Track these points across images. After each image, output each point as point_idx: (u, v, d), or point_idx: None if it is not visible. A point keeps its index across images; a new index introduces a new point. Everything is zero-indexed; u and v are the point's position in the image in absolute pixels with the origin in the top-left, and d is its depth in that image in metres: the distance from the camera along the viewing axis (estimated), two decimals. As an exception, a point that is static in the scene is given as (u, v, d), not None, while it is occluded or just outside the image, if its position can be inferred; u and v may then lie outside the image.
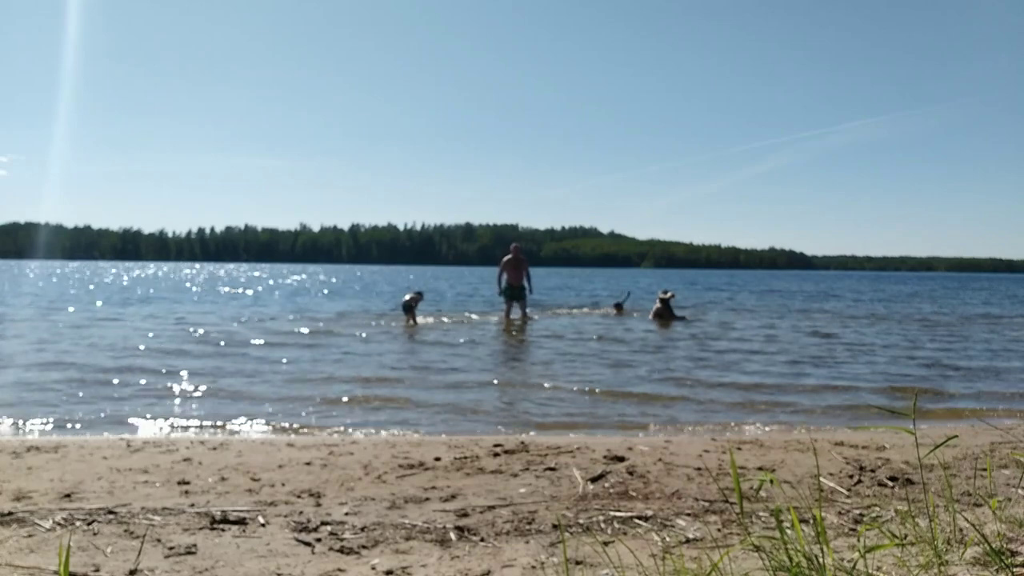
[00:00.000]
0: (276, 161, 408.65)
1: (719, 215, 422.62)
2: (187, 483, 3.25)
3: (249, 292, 25.74)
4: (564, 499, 2.99)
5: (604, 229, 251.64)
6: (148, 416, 5.23)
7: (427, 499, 3.02)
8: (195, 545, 2.36)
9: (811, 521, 2.35)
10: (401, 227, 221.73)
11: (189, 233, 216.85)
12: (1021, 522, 1.98)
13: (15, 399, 5.72)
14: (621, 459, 3.75)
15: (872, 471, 3.49)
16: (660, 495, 3.06)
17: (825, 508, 2.74)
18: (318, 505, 2.93)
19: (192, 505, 2.87)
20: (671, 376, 7.22)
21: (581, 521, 2.62)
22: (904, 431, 1.76)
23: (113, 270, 65.64)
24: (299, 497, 3.05)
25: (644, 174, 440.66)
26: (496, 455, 3.85)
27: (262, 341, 9.95)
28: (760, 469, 3.55)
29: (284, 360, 8.10)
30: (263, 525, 2.61)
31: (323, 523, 2.63)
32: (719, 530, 2.50)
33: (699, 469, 3.51)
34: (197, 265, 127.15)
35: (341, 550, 2.34)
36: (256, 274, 59.92)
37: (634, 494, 3.08)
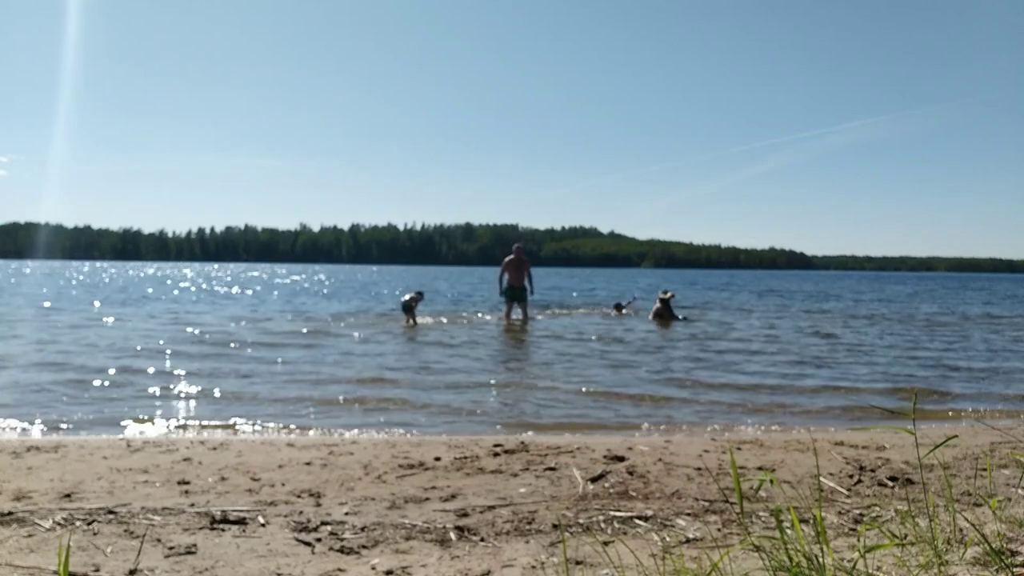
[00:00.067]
0: (276, 161, 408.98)
1: (719, 215, 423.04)
2: (187, 483, 3.25)
3: (249, 292, 25.74)
4: (564, 499, 2.99)
5: (604, 229, 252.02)
6: (148, 416, 5.23)
7: (427, 499, 3.02)
8: (195, 545, 2.36)
9: (811, 521, 2.35)
10: (401, 227, 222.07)
11: (189, 233, 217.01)
12: (1021, 522, 1.98)
13: (15, 399, 5.72)
14: (621, 459, 3.75)
15: (872, 471, 3.49)
16: (660, 495, 3.06)
17: (825, 508, 2.74)
18: (318, 505, 2.93)
19: (192, 505, 2.87)
20: (671, 376, 7.22)
21: (581, 521, 2.62)
22: (904, 431, 1.76)
23: (113, 270, 65.66)
24: (299, 497, 3.05)
25: (644, 174, 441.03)
26: (496, 455, 3.85)
27: (261, 341, 9.95)
28: (760, 469, 3.55)
29: (283, 360, 8.10)
30: (263, 525, 2.61)
31: (323, 523, 2.63)
32: (719, 530, 2.50)
33: (699, 469, 3.51)
34: (197, 265, 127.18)
35: (341, 550, 2.34)
36: (256, 274, 59.92)
37: (634, 494, 3.08)
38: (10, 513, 2.68)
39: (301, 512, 2.79)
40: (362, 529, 2.56)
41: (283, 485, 3.24)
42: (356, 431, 4.86)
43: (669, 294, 14.77)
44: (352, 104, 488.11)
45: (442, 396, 6.10)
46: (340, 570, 2.18)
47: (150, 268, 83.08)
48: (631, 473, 3.45)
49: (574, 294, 26.24)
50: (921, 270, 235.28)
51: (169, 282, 35.62)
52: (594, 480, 3.31)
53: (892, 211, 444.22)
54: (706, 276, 76.00)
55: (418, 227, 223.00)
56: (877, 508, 2.67)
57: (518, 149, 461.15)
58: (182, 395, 6.03)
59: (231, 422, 5.08)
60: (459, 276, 56.23)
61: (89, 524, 2.56)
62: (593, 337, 10.98)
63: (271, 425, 5.01)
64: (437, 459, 3.74)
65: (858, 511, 2.66)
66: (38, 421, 5.01)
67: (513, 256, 13.12)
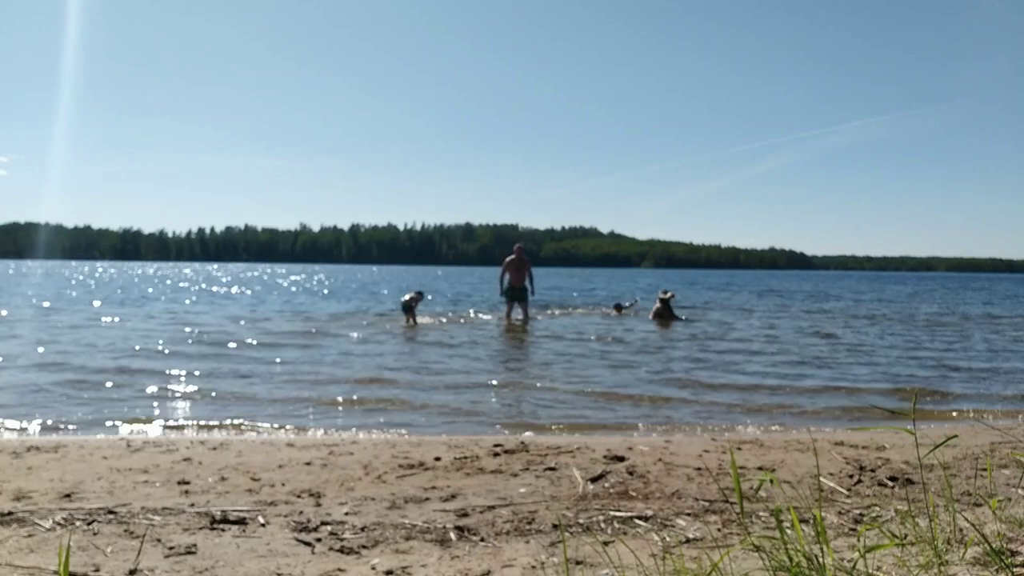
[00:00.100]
0: (276, 161, 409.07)
1: (719, 215, 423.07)
2: (187, 483, 3.25)
3: (248, 292, 25.74)
4: (564, 499, 2.99)
5: (604, 229, 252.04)
6: (148, 416, 5.23)
7: (427, 499, 3.02)
8: (195, 545, 2.36)
9: (811, 521, 2.35)
10: (401, 227, 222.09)
11: (189, 233, 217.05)
12: (1021, 522, 1.98)
13: (14, 400, 5.72)
14: (621, 459, 3.75)
15: (872, 471, 3.49)
16: (660, 495, 3.06)
17: (825, 508, 2.74)
18: (318, 505, 2.93)
19: (192, 505, 2.87)
20: (671, 377, 7.22)
21: (581, 521, 2.62)
22: (904, 431, 1.76)
23: (112, 270, 65.66)
24: (299, 497, 3.05)
25: (644, 174, 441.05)
26: (496, 455, 3.85)
27: (261, 342, 9.95)
28: (760, 469, 3.55)
29: (283, 361, 8.10)
30: (263, 525, 2.61)
31: (323, 523, 2.63)
32: (719, 530, 2.50)
33: (699, 469, 3.51)
34: (197, 265, 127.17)
35: (341, 550, 2.34)
36: (255, 274, 59.92)
37: (634, 494, 3.08)
38: (10, 513, 2.68)
39: (301, 512, 2.79)
40: (362, 529, 2.56)
41: (283, 485, 3.24)
42: (356, 431, 4.86)
43: (669, 294, 14.77)
44: (352, 104, 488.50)
45: (442, 396, 6.10)
46: (340, 570, 2.18)
47: (150, 268, 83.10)
48: (631, 473, 3.45)
49: (574, 294, 26.23)
50: (921, 270, 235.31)
51: (169, 282, 35.62)
52: (594, 480, 3.31)
53: (892, 211, 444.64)
54: (706, 276, 76.01)
55: (418, 227, 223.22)
56: (877, 508, 2.67)
57: (518, 149, 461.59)
58: (182, 395, 6.03)
59: (231, 422, 5.08)
60: (459, 276, 56.22)
61: (89, 524, 2.56)
62: (593, 337, 10.98)
63: (271, 425, 5.01)
64: (437, 459, 3.74)
65: (858, 511, 2.66)
66: (38, 421, 5.01)
67: (514, 256, 13.12)
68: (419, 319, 13.11)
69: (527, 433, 4.78)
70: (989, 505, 2.21)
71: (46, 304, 17.02)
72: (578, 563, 2.14)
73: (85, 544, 2.35)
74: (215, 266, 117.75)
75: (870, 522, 2.40)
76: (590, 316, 15.51)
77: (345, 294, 24.70)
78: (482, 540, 2.44)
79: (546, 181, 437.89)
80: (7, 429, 4.81)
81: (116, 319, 13.31)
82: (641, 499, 3.00)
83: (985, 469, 3.37)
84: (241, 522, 2.63)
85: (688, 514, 2.71)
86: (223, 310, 16.18)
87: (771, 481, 2.54)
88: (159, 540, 2.41)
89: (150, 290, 26.19)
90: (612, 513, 2.72)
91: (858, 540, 2.18)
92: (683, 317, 14.61)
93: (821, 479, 3.29)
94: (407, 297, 13.23)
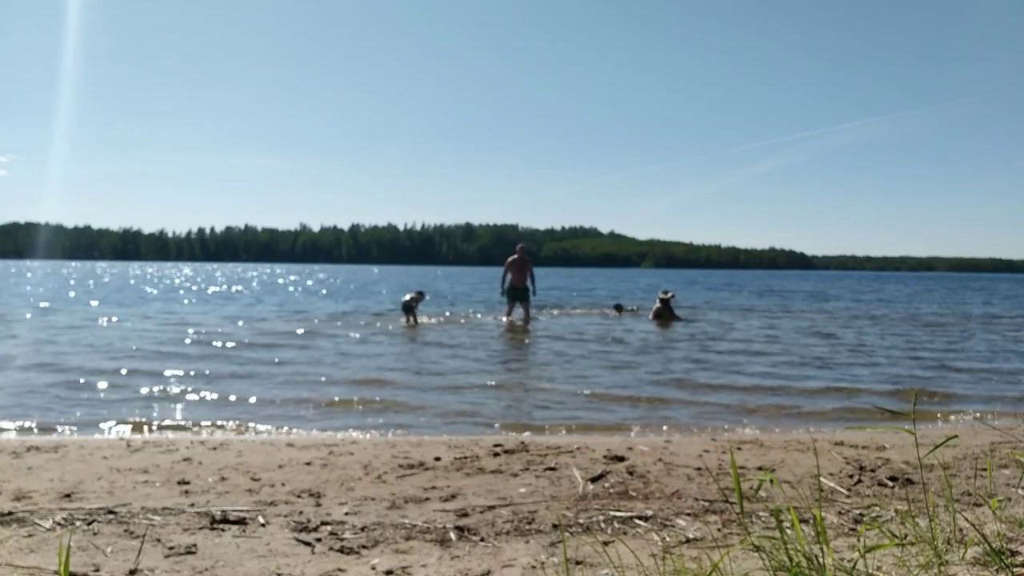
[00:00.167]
0: (276, 161, 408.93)
1: (719, 215, 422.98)
2: (187, 483, 3.25)
3: (248, 292, 25.74)
4: (564, 499, 2.99)
5: (604, 229, 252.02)
6: (147, 416, 5.23)
7: (427, 499, 3.02)
8: (195, 545, 2.36)
9: (811, 521, 2.35)
10: (401, 227, 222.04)
11: (189, 233, 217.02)
12: (1021, 522, 1.98)
13: (14, 400, 5.72)
14: (621, 459, 3.75)
15: (872, 471, 3.49)
16: (660, 495, 3.06)
17: (825, 508, 2.74)
18: (318, 505, 2.93)
19: (192, 505, 2.87)
20: (671, 377, 7.22)
21: (581, 521, 2.62)
22: (904, 431, 1.76)
23: (113, 270, 65.66)
24: (299, 497, 3.05)
25: (644, 174, 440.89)
26: (496, 455, 3.85)
27: (260, 342, 9.95)
28: (760, 469, 3.56)
29: (282, 361, 8.10)
30: (263, 525, 2.61)
31: (323, 523, 2.63)
32: (719, 530, 2.50)
33: (699, 469, 3.51)
34: (197, 265, 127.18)
35: (341, 550, 2.34)
36: (255, 274, 59.93)
37: (634, 494, 3.08)
38: (10, 513, 2.68)
39: (301, 512, 2.79)
40: (362, 529, 2.56)
41: (283, 485, 3.24)
42: (356, 432, 4.86)
43: (669, 294, 14.77)
44: (352, 104, 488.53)
45: (441, 397, 6.10)
46: (340, 570, 2.18)
47: (150, 268, 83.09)
48: (631, 473, 3.45)
49: (574, 294, 26.25)
50: (921, 270, 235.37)
51: (168, 282, 35.63)
52: (594, 480, 3.31)
53: (892, 211, 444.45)
54: (706, 276, 76.01)
55: (418, 227, 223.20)
56: (877, 508, 2.67)
57: (518, 149, 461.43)
58: (181, 396, 6.03)
59: (231, 422, 5.08)
60: (459, 276, 56.23)
61: (89, 524, 2.56)
62: (593, 338, 10.98)
63: (271, 425, 5.01)
64: (437, 459, 3.74)
65: (858, 511, 2.66)
66: (38, 421, 5.01)
67: (516, 256, 13.12)
68: (419, 319, 13.11)
69: (527, 433, 4.78)
70: (989, 505, 2.21)
71: (44, 304, 17.02)
72: (578, 563, 2.14)
73: (85, 544, 2.35)
74: (215, 266, 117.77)
75: (870, 522, 2.40)
76: (590, 316, 15.50)
77: (345, 294, 24.71)
78: (482, 540, 2.44)
79: (546, 181, 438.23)
80: (7, 429, 4.81)
81: (115, 319, 13.31)
82: (641, 499, 3.00)
83: (985, 469, 3.37)
84: (241, 522, 2.63)
85: (688, 514, 2.71)
86: (222, 310, 16.18)
87: (771, 481, 2.55)
88: (159, 540, 2.41)
89: (150, 290, 26.19)
90: (612, 513, 2.72)
91: (858, 540, 2.18)
92: (683, 317, 14.61)
93: (821, 479, 3.29)
94: (408, 297, 13.23)
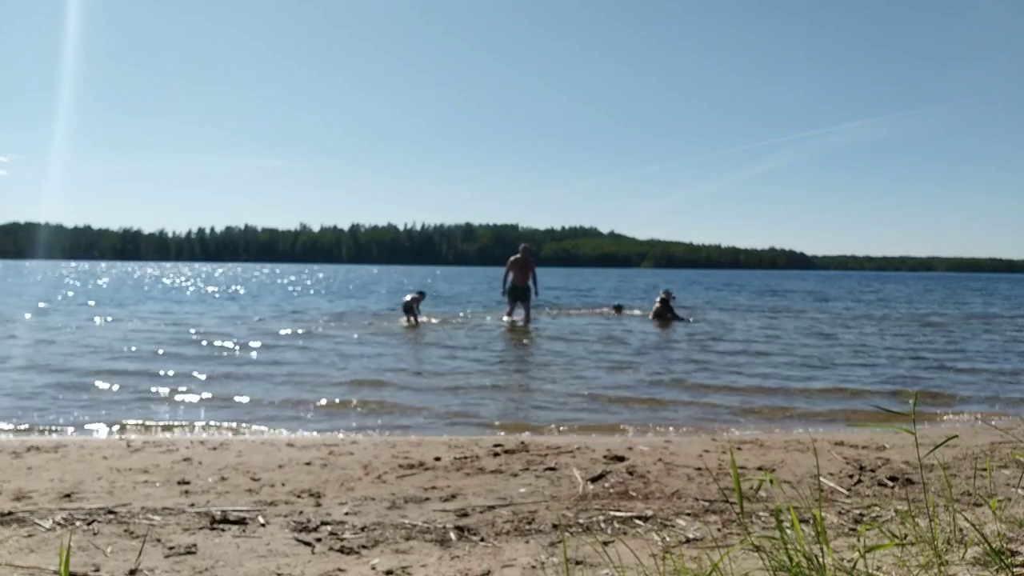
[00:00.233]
0: (276, 161, 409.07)
1: (719, 215, 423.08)
2: (187, 483, 3.25)
3: (247, 293, 25.73)
4: (564, 499, 2.99)
5: (604, 229, 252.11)
6: (147, 417, 5.23)
7: (427, 499, 3.02)
8: (195, 545, 2.36)
9: (811, 521, 2.35)
10: (401, 227, 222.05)
11: (189, 233, 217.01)
12: (1021, 522, 1.98)
13: (13, 400, 5.72)
14: (621, 459, 3.75)
15: (872, 471, 3.49)
16: (660, 495, 3.06)
17: (825, 508, 2.74)
18: (318, 505, 2.93)
19: (192, 505, 2.87)
20: (671, 377, 7.22)
21: (581, 521, 2.62)
22: (904, 431, 1.76)
23: (113, 270, 65.66)
24: (299, 497, 3.05)
25: (644, 174, 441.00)
26: (496, 455, 3.85)
27: (260, 342, 9.95)
28: (760, 469, 3.55)
29: (282, 361, 8.10)
30: (263, 525, 2.61)
31: (323, 523, 2.63)
32: (719, 530, 2.50)
33: (699, 469, 3.51)
34: (196, 265, 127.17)
35: (341, 550, 2.34)
36: (255, 274, 59.92)
37: (634, 494, 3.08)
38: (10, 513, 2.68)
39: (301, 512, 2.79)
40: (362, 529, 2.56)
41: (283, 485, 3.24)
42: (356, 432, 4.86)
43: (669, 294, 14.77)
44: (352, 104, 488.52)
45: (441, 397, 6.10)
46: (340, 570, 2.18)
47: (150, 268, 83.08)
48: (631, 473, 3.45)
49: (574, 294, 26.24)
50: (921, 270, 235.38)
51: (168, 282, 35.62)
52: (594, 480, 3.31)
53: (892, 211, 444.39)
54: (706, 276, 75.99)
55: (418, 227, 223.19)
56: (877, 508, 2.67)
57: (518, 149, 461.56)
58: (181, 396, 6.03)
59: (231, 422, 5.08)
60: (459, 276, 56.22)
61: (89, 524, 2.56)
62: (593, 338, 10.98)
63: (271, 426, 5.01)
64: (437, 459, 3.74)
65: (858, 511, 2.66)
66: (38, 422, 5.01)
67: (519, 256, 13.11)
68: (419, 319, 13.11)
69: (527, 433, 4.78)
70: (989, 505, 2.21)
71: (44, 305, 17.02)
72: (578, 563, 2.14)
73: (85, 544, 2.35)
74: (215, 266, 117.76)
75: (870, 522, 2.40)
76: (590, 316, 15.50)
77: (345, 294, 24.70)
78: (482, 540, 2.44)
79: (546, 181, 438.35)
80: (7, 430, 4.81)
81: (114, 320, 13.31)
82: (641, 499, 3.00)
83: (985, 469, 3.37)
84: (241, 522, 2.63)
85: (688, 514, 2.71)
86: (222, 310, 16.18)
87: (771, 481, 2.55)
88: (159, 540, 2.41)
89: (149, 291, 26.18)
90: (612, 513, 2.72)
91: (858, 540, 2.18)
92: (683, 317, 14.61)
93: (821, 479, 3.29)
94: (408, 298, 13.23)
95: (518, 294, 13.32)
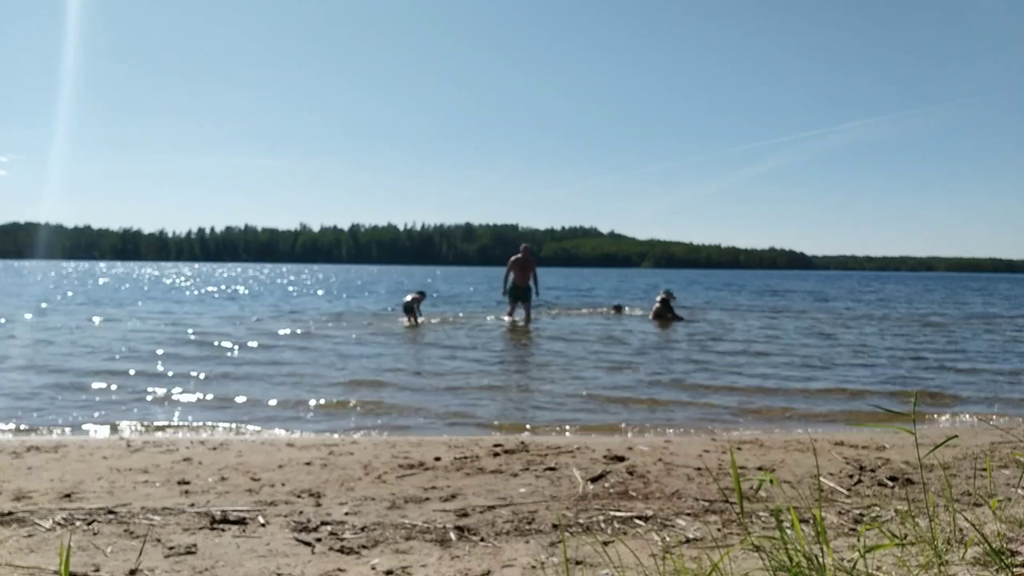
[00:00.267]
0: (276, 161, 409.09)
1: (719, 215, 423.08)
2: (187, 483, 3.25)
3: (247, 293, 25.74)
4: (564, 499, 2.99)
5: (604, 229, 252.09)
6: (147, 417, 5.23)
7: (427, 499, 3.02)
8: (195, 545, 2.36)
9: (811, 521, 2.35)
10: (401, 227, 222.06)
11: (189, 233, 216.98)
12: (1021, 522, 1.98)
13: (13, 401, 5.72)
14: (621, 459, 3.75)
15: (872, 471, 3.49)
16: (660, 495, 3.06)
17: (825, 508, 2.74)
18: (318, 505, 2.93)
19: (192, 505, 2.87)
20: (671, 378, 7.22)
21: (581, 521, 2.62)
22: (904, 431, 1.76)
23: (112, 270, 65.65)
24: (299, 497, 3.05)
25: (644, 174, 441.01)
26: (496, 455, 3.85)
27: (260, 342, 9.95)
28: (760, 469, 3.55)
29: (282, 361, 8.10)
30: (263, 525, 2.61)
31: (323, 523, 2.63)
32: (719, 530, 2.50)
33: (699, 469, 3.51)
34: (196, 265, 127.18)
35: (341, 550, 2.34)
36: (255, 274, 59.92)
37: (634, 494, 3.08)
38: (10, 513, 2.68)
39: (301, 512, 2.79)
40: (362, 529, 2.56)
41: (283, 485, 3.24)
42: (356, 432, 4.86)
43: (669, 294, 14.77)
44: (352, 104, 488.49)
45: (441, 397, 6.10)
46: (340, 570, 2.18)
47: (150, 268, 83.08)
48: (631, 473, 3.45)
49: (574, 294, 26.24)
50: (921, 270, 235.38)
51: (168, 282, 35.62)
52: (594, 480, 3.31)
53: (892, 211, 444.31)
54: (706, 276, 76.00)
55: (418, 227, 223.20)
56: (877, 508, 2.67)
57: (518, 149, 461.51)
58: (181, 396, 6.03)
59: (231, 422, 5.08)
60: (459, 276, 56.22)
61: (89, 524, 2.56)
62: (593, 338, 10.98)
63: (271, 426, 5.01)
64: (437, 459, 3.74)
65: (858, 511, 2.66)
66: (37, 422, 5.01)
67: (520, 255, 13.11)
68: (420, 319, 13.11)
69: (526, 433, 4.78)
70: (989, 505, 2.21)
71: (43, 305, 17.02)
72: (578, 563, 2.14)
73: (85, 544, 2.35)
74: (215, 266, 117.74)
75: (870, 522, 2.40)
76: (590, 316, 15.50)
77: (345, 294, 24.70)
78: (482, 540, 2.44)
79: (546, 181, 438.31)
80: (6, 430, 4.81)
81: (113, 320, 13.31)
82: (641, 499, 3.00)
83: (985, 469, 3.37)
84: (241, 522, 2.63)
85: (688, 514, 2.71)
86: (222, 311, 16.18)
87: (771, 481, 2.55)
88: (159, 540, 2.41)
89: (148, 291, 26.18)
90: (612, 513, 2.72)
91: (858, 540, 2.18)
92: (683, 317, 14.61)
93: (821, 479, 3.29)
94: (409, 298, 13.23)
95: (519, 294, 13.31)
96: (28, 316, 13.71)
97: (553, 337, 11.02)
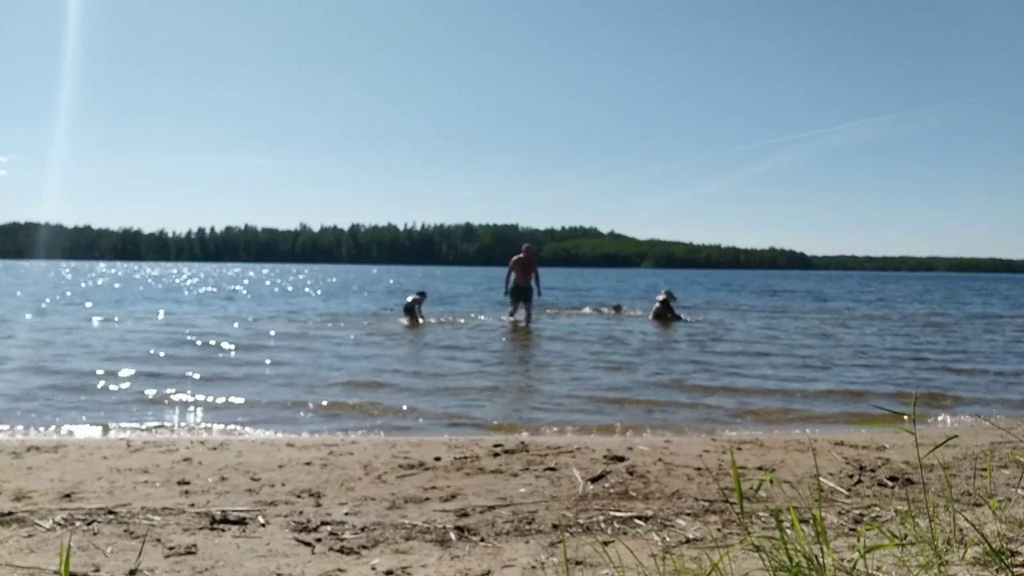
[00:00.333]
0: (276, 161, 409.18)
1: (719, 215, 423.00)
2: (187, 483, 3.24)
3: (247, 293, 25.74)
4: (564, 499, 2.99)
5: (604, 229, 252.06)
6: (146, 417, 5.23)
7: (427, 499, 3.02)
8: (195, 545, 2.36)
9: (811, 521, 2.35)
10: (401, 227, 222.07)
11: (189, 233, 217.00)
12: (1021, 522, 1.98)
13: (14, 401, 5.72)
14: (621, 459, 3.75)
15: (872, 471, 3.49)
16: (660, 495, 3.06)
17: (825, 508, 2.74)
18: (318, 505, 2.93)
19: (192, 505, 2.87)
20: (671, 378, 7.22)
21: (581, 521, 2.62)
22: (904, 431, 1.76)
23: (112, 270, 65.65)
24: (299, 497, 3.05)
25: (644, 174, 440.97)
26: (496, 455, 3.85)
27: (259, 343, 9.95)
28: (760, 469, 3.55)
29: (281, 362, 8.10)
30: (263, 525, 2.61)
31: (323, 523, 2.63)
32: (719, 530, 2.50)
33: (699, 469, 3.51)
34: (196, 265, 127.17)
35: (341, 550, 2.34)
36: (255, 275, 59.91)
37: (634, 494, 3.08)
38: (10, 513, 2.68)
39: (301, 512, 2.79)
40: (362, 529, 2.56)
41: (283, 485, 3.24)
42: (355, 432, 4.86)
43: (669, 295, 14.77)
44: (352, 104, 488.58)
45: (441, 397, 6.10)
46: (340, 570, 2.18)
47: (150, 268, 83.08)
48: (631, 473, 3.45)
49: (574, 294, 26.24)
50: (921, 270, 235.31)
51: (167, 282, 35.62)
52: (594, 480, 3.31)
53: (892, 211, 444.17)
54: (706, 276, 75.98)
55: (418, 227, 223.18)
56: (877, 508, 2.67)
57: (518, 149, 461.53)
58: (181, 396, 6.03)
59: (231, 423, 5.08)
60: (459, 276, 56.21)
61: (89, 524, 2.56)
62: (593, 338, 10.98)
63: (270, 426, 5.01)
64: (437, 459, 3.74)
65: (858, 511, 2.66)
66: (37, 422, 5.01)
67: (522, 256, 13.10)
68: (420, 320, 13.11)
69: (526, 434, 4.78)
70: (989, 505, 2.21)
71: (43, 305, 17.03)
72: (578, 563, 2.14)
73: (85, 544, 2.35)
74: (215, 266, 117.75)
75: (870, 522, 2.40)
76: (590, 317, 15.50)
77: (344, 295, 24.70)
78: (482, 540, 2.44)
79: (546, 181, 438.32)
80: (6, 430, 4.81)
81: (113, 321, 13.30)
82: (641, 499, 3.00)
83: (985, 469, 3.37)
84: (241, 522, 2.63)
85: (688, 514, 2.71)
86: (222, 311, 16.18)
87: (771, 481, 2.54)
88: (159, 540, 2.41)
89: (148, 291, 26.18)
90: (612, 513, 2.72)
91: (858, 540, 2.18)
92: (683, 317, 14.61)
93: (821, 479, 3.29)
94: (410, 299, 13.24)
95: (520, 294, 13.31)
96: (28, 316, 13.71)
97: (553, 337, 11.02)
